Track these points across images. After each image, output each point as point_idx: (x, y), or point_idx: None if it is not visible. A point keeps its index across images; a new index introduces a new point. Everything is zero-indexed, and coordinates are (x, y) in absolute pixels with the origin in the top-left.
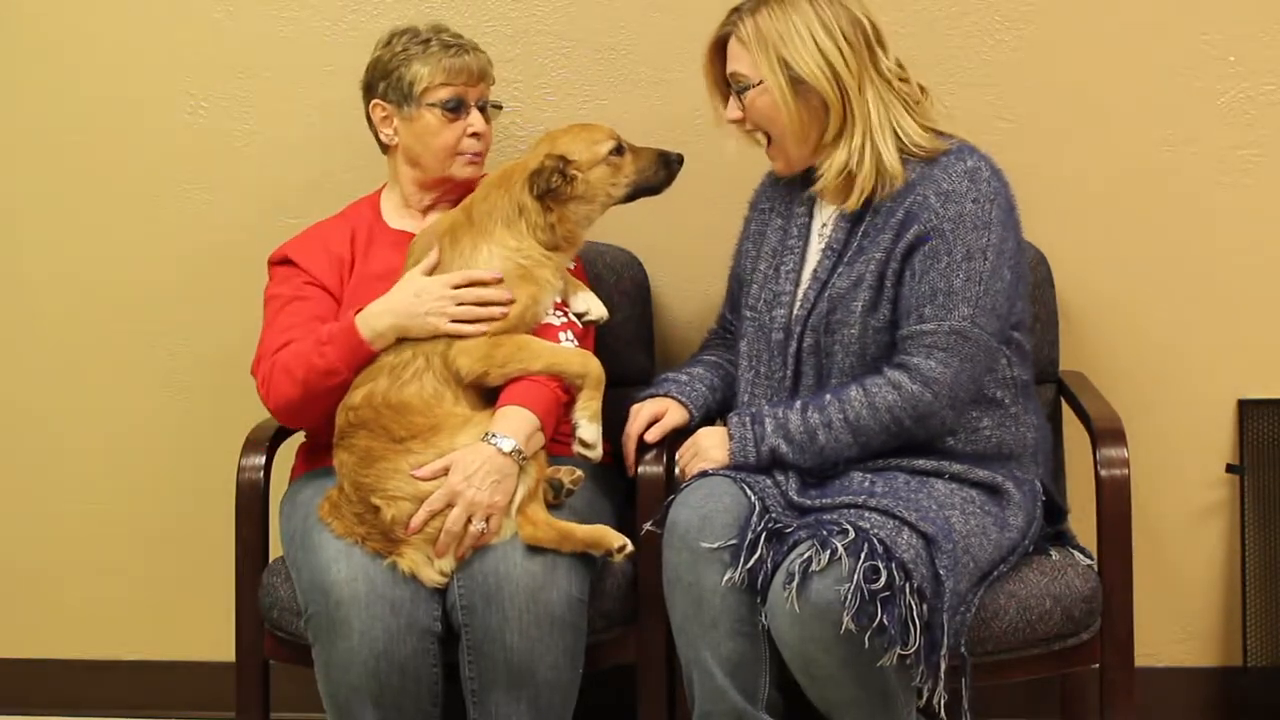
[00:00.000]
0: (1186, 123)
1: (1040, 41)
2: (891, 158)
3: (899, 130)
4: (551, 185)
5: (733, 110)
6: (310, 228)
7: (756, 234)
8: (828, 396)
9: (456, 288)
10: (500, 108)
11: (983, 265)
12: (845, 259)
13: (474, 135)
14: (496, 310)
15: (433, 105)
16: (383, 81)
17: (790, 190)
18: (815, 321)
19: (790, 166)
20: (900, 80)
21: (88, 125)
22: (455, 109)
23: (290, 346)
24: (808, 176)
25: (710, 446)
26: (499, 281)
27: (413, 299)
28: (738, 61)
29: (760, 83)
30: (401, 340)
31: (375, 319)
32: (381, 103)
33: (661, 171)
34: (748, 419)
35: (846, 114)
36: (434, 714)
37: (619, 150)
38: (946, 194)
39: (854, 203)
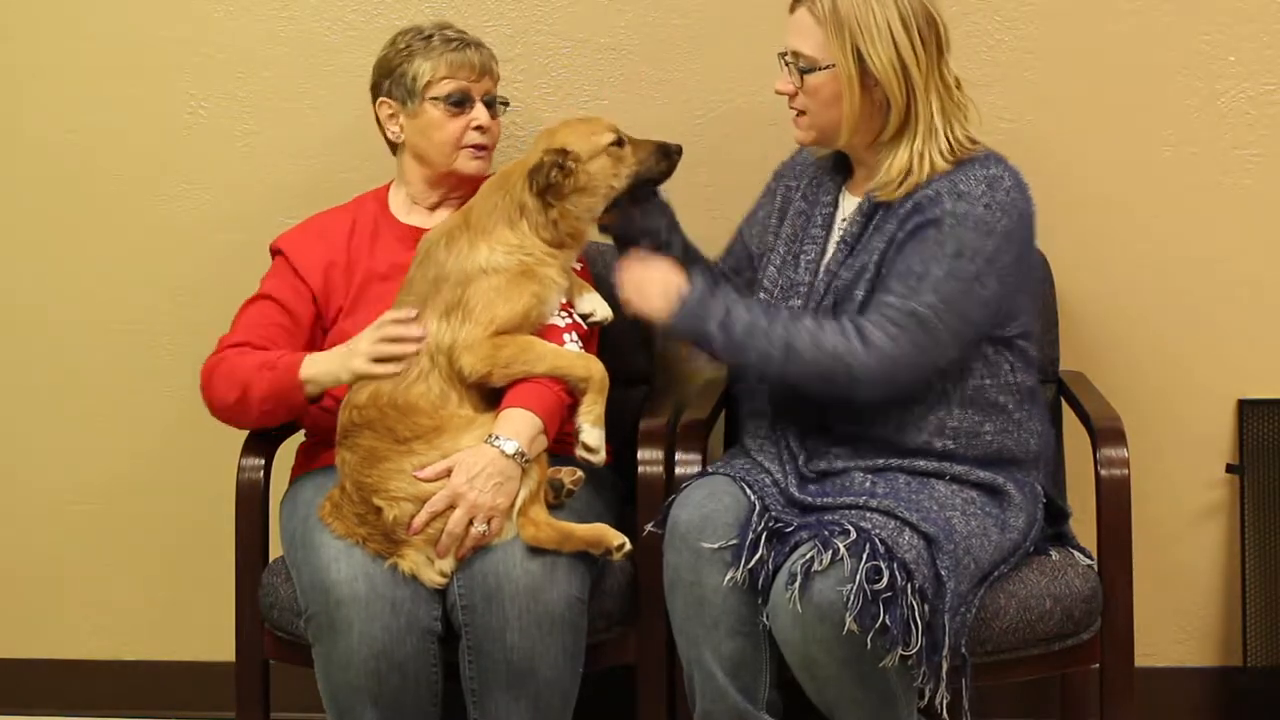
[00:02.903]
0: (1186, 123)
1: (1040, 42)
2: (940, 164)
3: (950, 138)
4: (551, 180)
5: (784, 83)
6: (312, 218)
7: (781, 208)
8: (784, 313)
9: (379, 331)
10: (507, 104)
11: (969, 267)
12: (854, 252)
13: (478, 129)
14: (409, 347)
15: (435, 100)
16: (387, 79)
17: (819, 176)
18: (822, 314)
19: (816, 141)
20: (957, 89)
21: (88, 125)
22: (459, 103)
23: (234, 353)
24: (839, 164)
25: (654, 295)
26: (413, 318)
27: (347, 345)
28: (805, 39)
29: (828, 67)
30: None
31: (314, 363)
32: (387, 100)
33: (663, 162)
34: (705, 293)
35: (910, 114)
36: (434, 714)
37: (619, 142)
38: (960, 193)
39: (891, 194)
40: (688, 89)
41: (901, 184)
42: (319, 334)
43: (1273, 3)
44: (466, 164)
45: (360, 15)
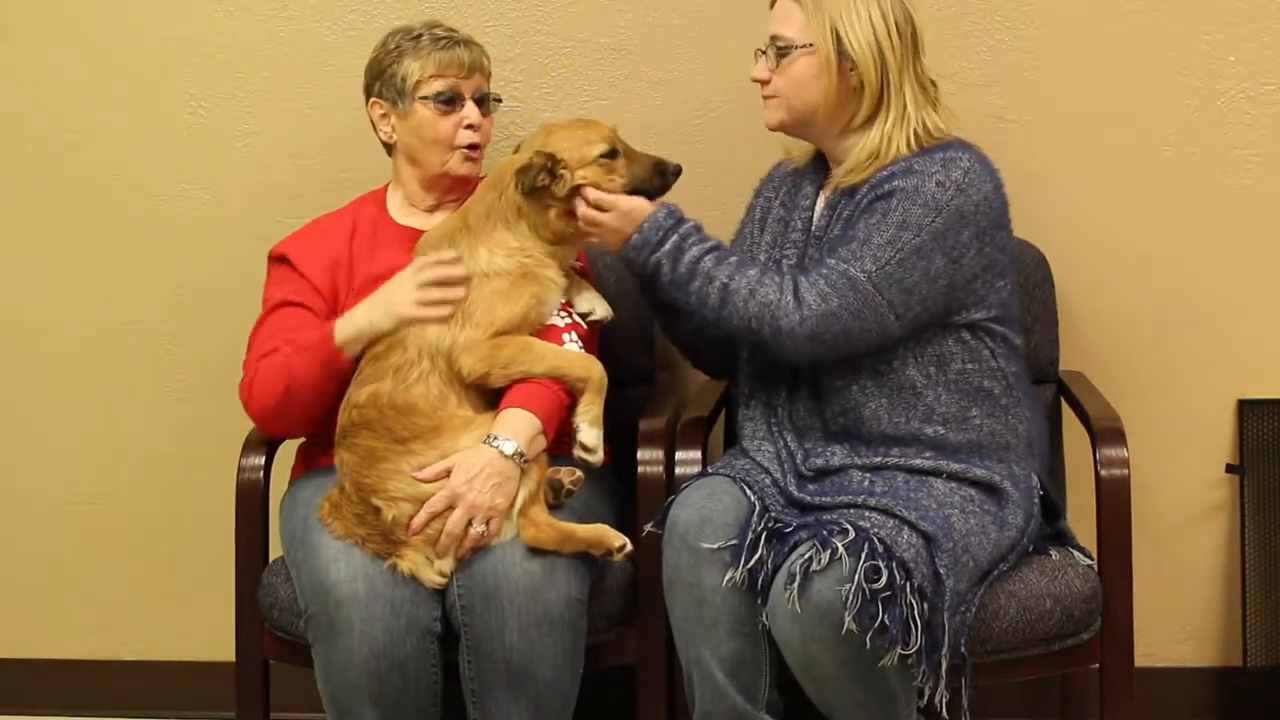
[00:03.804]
0: (1186, 123)
1: (1040, 42)
2: (904, 150)
3: (920, 127)
4: (539, 183)
5: (760, 69)
6: (311, 222)
7: (761, 219)
8: (733, 259)
9: (421, 275)
10: (500, 101)
11: (911, 239)
12: (821, 243)
13: (469, 127)
14: (455, 291)
15: (425, 99)
16: (378, 80)
17: (797, 182)
18: (772, 267)
19: (784, 124)
20: (933, 88)
21: (88, 125)
22: (448, 102)
23: (273, 356)
24: (817, 170)
25: (615, 229)
26: (456, 260)
27: (384, 293)
28: (786, 22)
29: (806, 46)
30: (394, 344)
31: (348, 321)
32: (379, 101)
33: (656, 180)
34: (665, 224)
35: (883, 99)
36: (434, 714)
37: (612, 154)
38: (914, 171)
39: (856, 178)
40: (688, 89)
41: (868, 167)
42: None
43: (1273, 3)
44: (458, 166)
45: (360, 15)
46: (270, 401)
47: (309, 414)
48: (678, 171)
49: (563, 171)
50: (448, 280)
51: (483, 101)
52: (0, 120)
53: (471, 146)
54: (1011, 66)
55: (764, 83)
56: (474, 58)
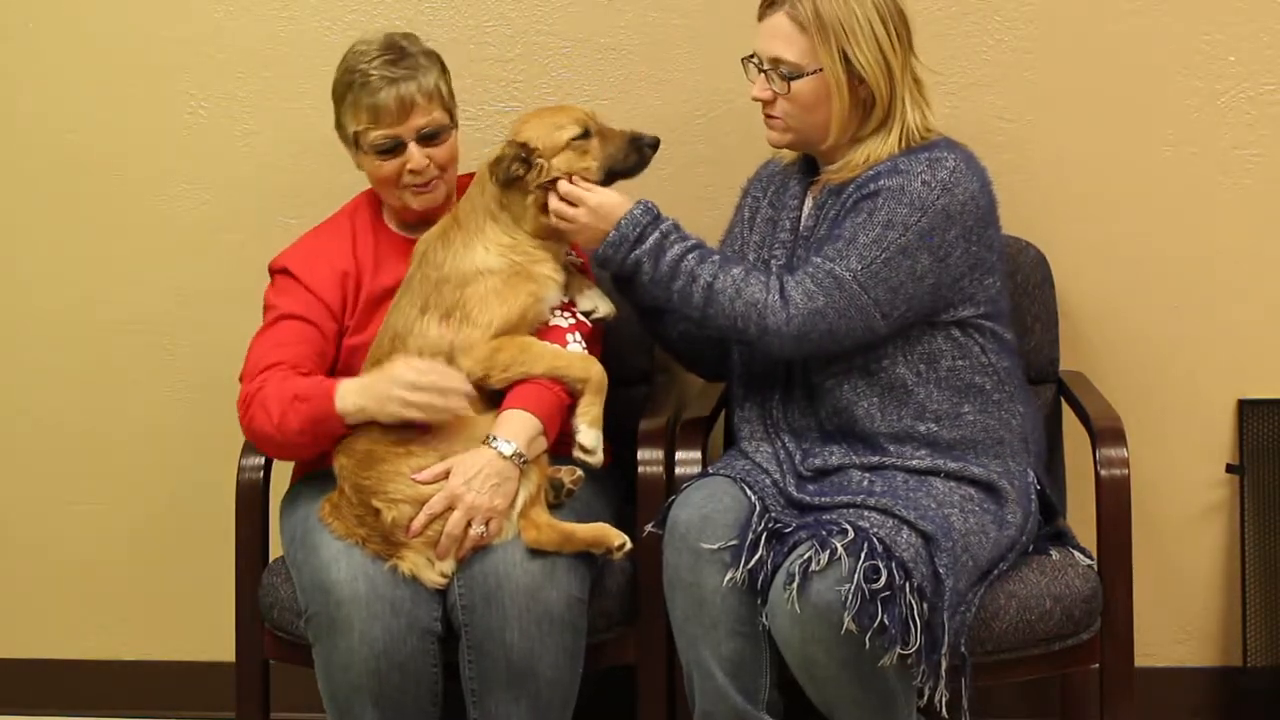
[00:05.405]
0: (1186, 123)
1: (1040, 41)
2: (895, 150)
3: (911, 127)
4: (514, 174)
5: (761, 90)
6: (305, 236)
7: (750, 218)
8: (715, 257)
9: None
10: (456, 126)
11: (897, 238)
12: (808, 244)
13: (412, 171)
14: (453, 403)
15: (366, 149)
16: (336, 119)
17: (785, 181)
18: (757, 267)
19: (792, 144)
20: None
21: (88, 125)
22: (387, 151)
23: (274, 377)
24: (805, 169)
25: (587, 224)
26: (462, 381)
27: (385, 382)
28: (787, 45)
29: (815, 72)
30: (395, 346)
31: (346, 396)
32: (342, 139)
33: (633, 155)
34: (643, 221)
35: (891, 109)
36: (434, 713)
37: (584, 135)
38: (900, 170)
39: (845, 176)
40: (687, 89)
41: (858, 166)
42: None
43: (1273, 2)
44: (413, 202)
45: (360, 15)
46: (268, 432)
47: (299, 454)
48: (655, 144)
49: (539, 160)
50: (446, 389)
51: (431, 137)
52: (0, 120)
53: (419, 185)
54: (1011, 66)
55: (766, 102)
56: (404, 97)
